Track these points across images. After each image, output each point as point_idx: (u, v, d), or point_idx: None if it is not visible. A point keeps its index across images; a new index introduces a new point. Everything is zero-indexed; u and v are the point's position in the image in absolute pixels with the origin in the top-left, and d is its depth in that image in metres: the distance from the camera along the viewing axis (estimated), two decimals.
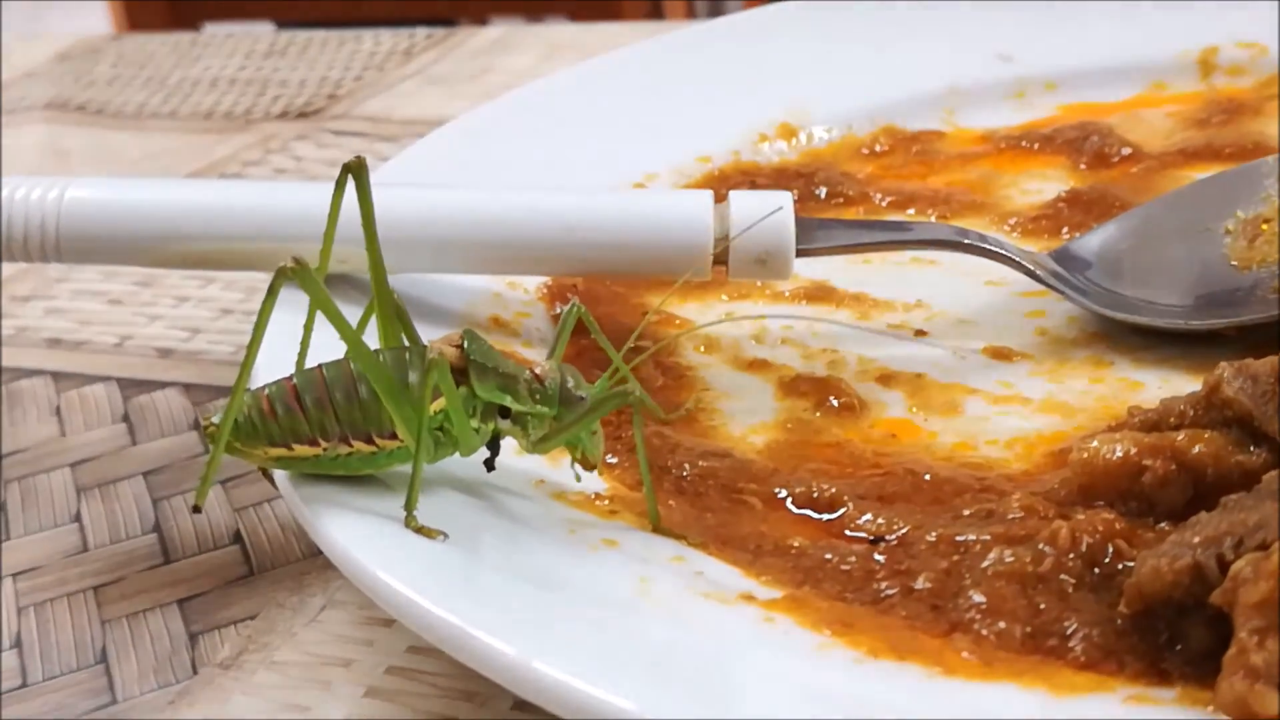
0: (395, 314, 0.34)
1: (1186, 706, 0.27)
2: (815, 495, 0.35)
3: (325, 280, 0.35)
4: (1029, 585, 0.30)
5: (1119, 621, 0.29)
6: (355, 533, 0.31)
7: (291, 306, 0.34)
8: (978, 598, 0.30)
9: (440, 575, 0.30)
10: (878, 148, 0.53)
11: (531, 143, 0.51)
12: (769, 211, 0.40)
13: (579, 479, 0.34)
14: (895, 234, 0.43)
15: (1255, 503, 0.29)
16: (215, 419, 0.33)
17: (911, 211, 0.49)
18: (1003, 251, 0.42)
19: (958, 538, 0.32)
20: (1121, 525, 0.31)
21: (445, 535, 0.31)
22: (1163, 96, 0.54)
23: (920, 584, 0.31)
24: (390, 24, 0.84)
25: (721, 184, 0.50)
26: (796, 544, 0.33)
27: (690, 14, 1.65)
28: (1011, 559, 0.31)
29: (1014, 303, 0.43)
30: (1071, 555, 0.30)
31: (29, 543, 0.41)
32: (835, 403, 0.39)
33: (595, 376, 0.34)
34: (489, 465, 0.34)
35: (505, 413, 0.33)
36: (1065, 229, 0.46)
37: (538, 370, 0.34)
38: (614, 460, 0.36)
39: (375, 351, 0.33)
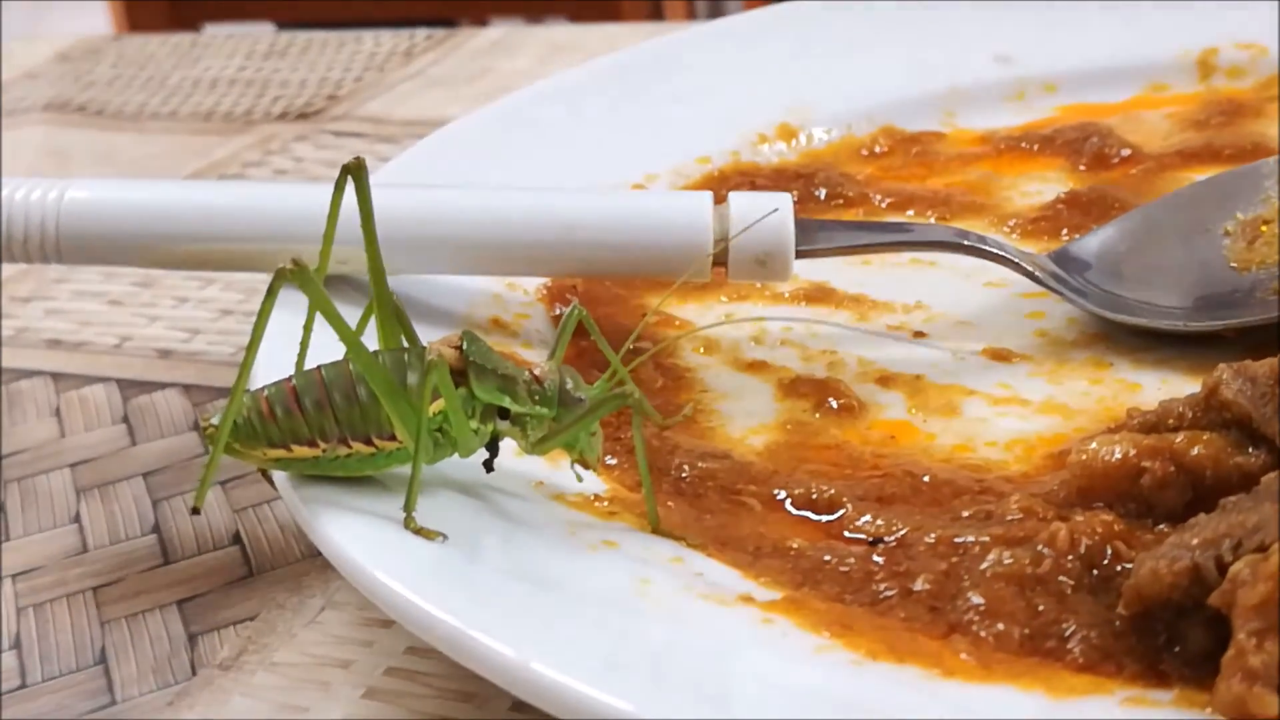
0: (394, 315, 0.34)
1: (1185, 708, 0.27)
2: (814, 497, 0.35)
3: (325, 281, 0.35)
4: (1027, 587, 0.30)
5: (1117, 623, 0.29)
6: (354, 534, 0.31)
7: (291, 308, 0.34)
8: (976, 599, 0.30)
9: (439, 576, 0.30)
10: (877, 149, 0.53)
11: (531, 144, 0.51)
12: (766, 212, 0.40)
13: (579, 479, 0.34)
14: (895, 235, 0.43)
15: (1254, 504, 0.29)
16: (214, 420, 0.33)
17: (911, 213, 0.49)
18: (1002, 253, 0.42)
19: (956, 539, 0.32)
20: (1120, 527, 0.31)
21: (444, 536, 0.31)
22: (1162, 98, 0.54)
23: (919, 585, 0.31)
24: (390, 25, 0.84)
25: (721, 185, 0.50)
26: (795, 545, 0.33)
27: (690, 15, 1.65)
28: (1010, 560, 0.31)
29: (1013, 304, 0.43)
30: (1070, 557, 0.30)
31: (28, 543, 0.41)
32: (834, 404, 0.39)
33: (595, 378, 0.35)
34: (488, 466, 0.34)
35: (504, 414, 0.33)
36: (1065, 230, 0.46)
37: (537, 372, 0.34)
38: (613, 461, 0.37)
39: (374, 353, 0.33)
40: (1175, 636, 0.28)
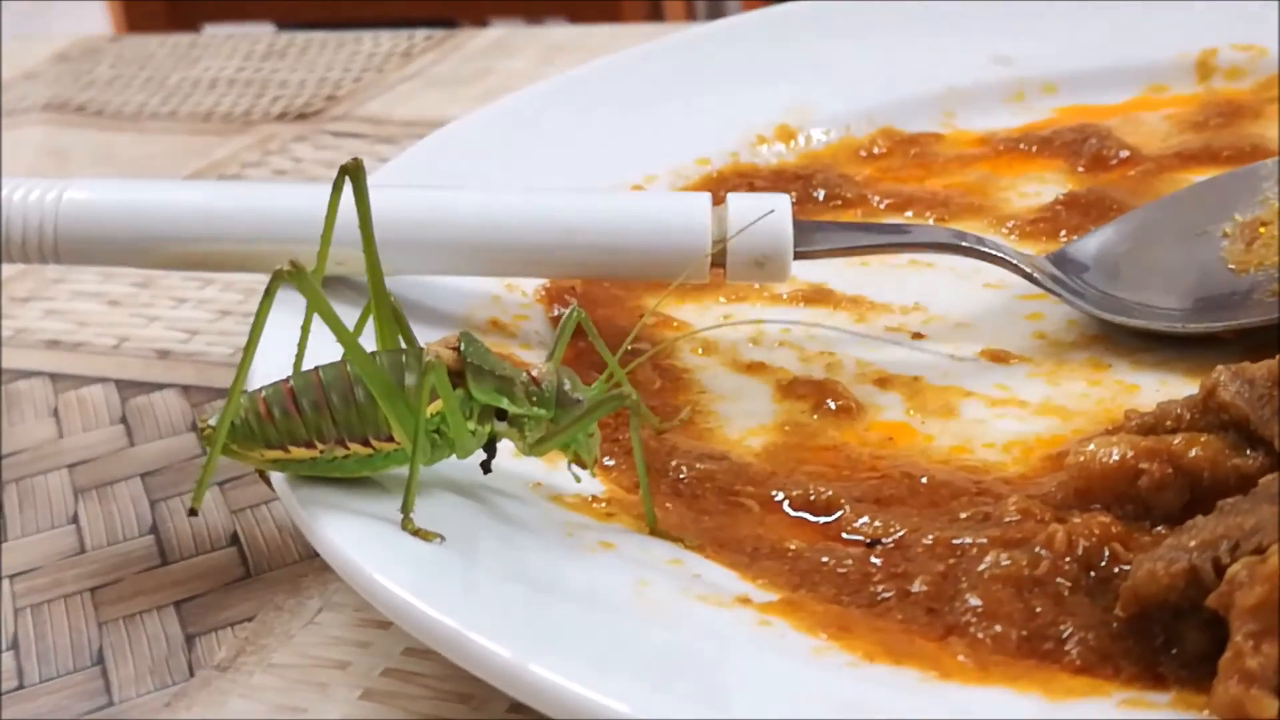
0: (392, 316, 0.34)
1: (1182, 711, 0.27)
2: (812, 498, 0.35)
3: (323, 282, 0.35)
4: (1025, 589, 0.30)
5: (1114, 625, 0.29)
6: (352, 535, 0.31)
7: (289, 308, 0.34)
8: (974, 601, 0.30)
9: (437, 578, 0.30)
10: (876, 150, 0.53)
11: (530, 145, 0.51)
12: (763, 213, 0.40)
13: (577, 480, 0.34)
14: (893, 236, 0.43)
15: (1251, 506, 0.29)
16: (212, 421, 0.33)
17: (909, 214, 0.49)
18: (1000, 254, 0.42)
19: (954, 541, 0.32)
20: (1118, 529, 0.31)
21: (442, 538, 0.31)
22: (1161, 99, 0.54)
23: (916, 587, 0.31)
24: (390, 25, 0.84)
25: (720, 186, 0.50)
26: (793, 547, 0.33)
27: (690, 16, 1.65)
28: (1008, 562, 0.31)
29: (1012, 305, 0.43)
30: (1067, 559, 0.30)
31: (26, 544, 0.41)
32: (832, 405, 0.39)
33: (593, 379, 0.34)
34: (485, 467, 0.34)
35: (502, 415, 0.33)
36: (1063, 232, 0.46)
37: (534, 373, 0.34)
38: (611, 463, 0.37)
39: (372, 354, 0.33)
40: (1173, 638, 0.28)
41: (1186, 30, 0.55)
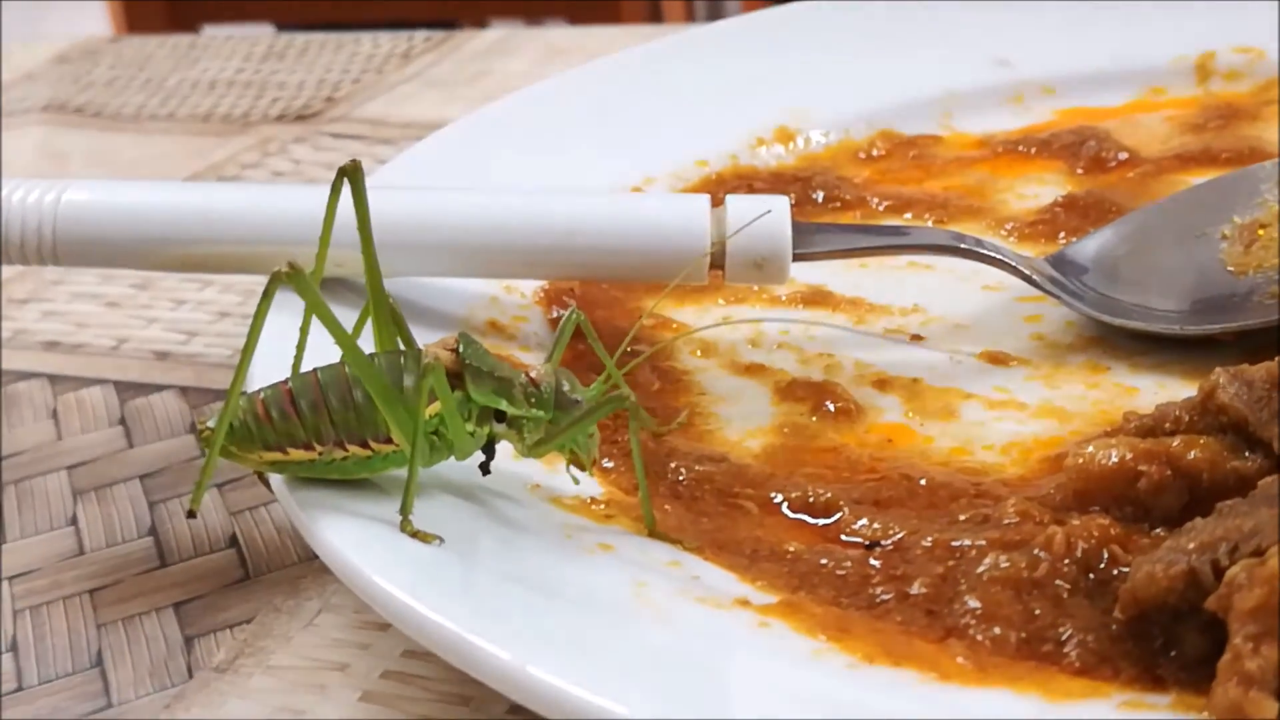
0: (391, 318, 0.34)
1: (1181, 713, 0.27)
2: (811, 500, 0.35)
3: (322, 284, 0.35)
4: (1024, 591, 0.30)
5: (1114, 627, 0.29)
6: (351, 537, 0.31)
7: (287, 310, 0.34)
8: (973, 603, 0.30)
9: (436, 579, 0.30)
10: (875, 152, 0.53)
11: (529, 146, 0.51)
12: (760, 213, 0.40)
13: (576, 481, 0.34)
14: (892, 238, 0.43)
15: (1250, 509, 0.29)
16: (210, 423, 0.33)
17: (908, 216, 0.49)
18: (999, 256, 0.42)
19: (953, 543, 0.32)
20: (1116, 531, 0.31)
21: (441, 540, 0.31)
22: (1160, 101, 0.54)
23: (916, 589, 0.31)
24: (389, 27, 0.84)
25: (719, 188, 0.50)
26: (792, 549, 0.33)
27: (689, 17, 1.65)
28: (1007, 564, 0.31)
29: (1010, 307, 0.43)
30: (1066, 561, 0.30)
31: (25, 545, 0.41)
32: (831, 407, 0.39)
33: (592, 381, 0.34)
34: (484, 469, 0.34)
35: (500, 417, 0.33)
36: (1062, 234, 0.46)
37: (533, 374, 0.34)
38: (610, 465, 0.36)
39: (370, 355, 0.33)
40: (1172, 640, 0.28)
41: (1185, 33, 0.55)
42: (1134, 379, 0.39)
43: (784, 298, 0.45)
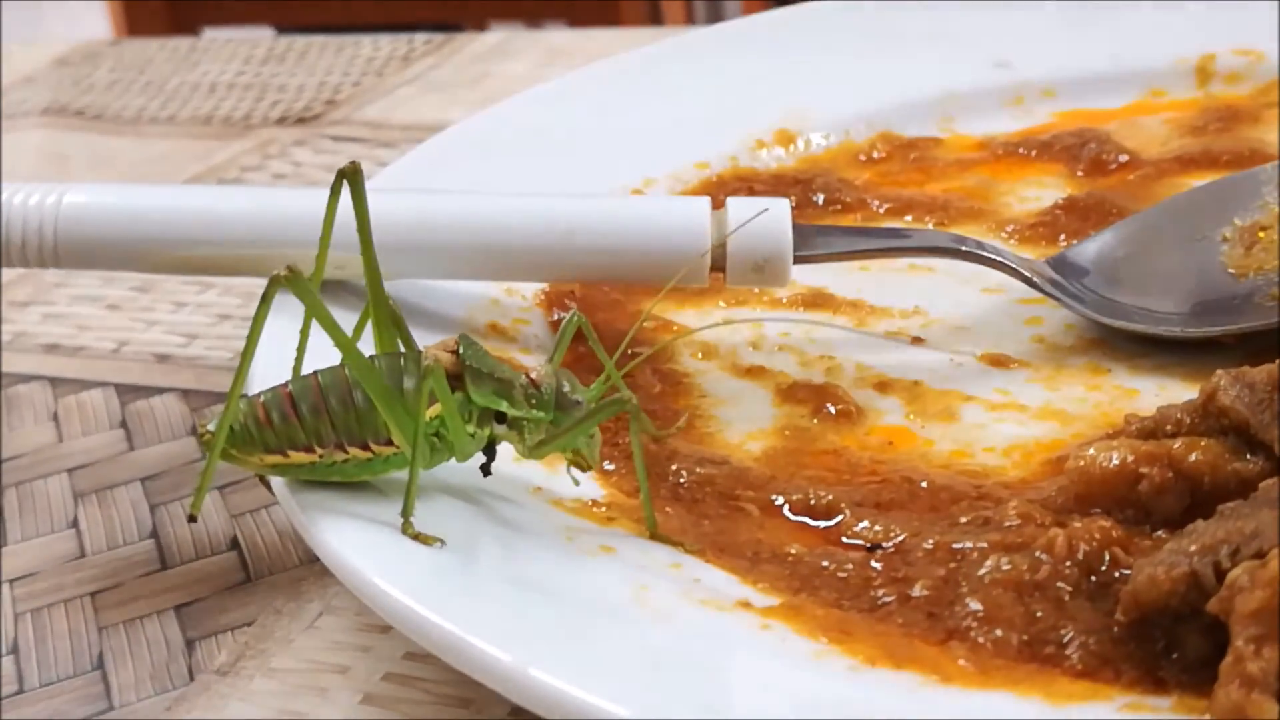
0: (391, 320, 0.34)
1: (1183, 715, 0.27)
2: (812, 502, 0.35)
3: (322, 286, 0.35)
4: (1026, 593, 0.30)
5: (1115, 629, 0.29)
6: (352, 539, 0.31)
7: (288, 312, 0.34)
8: (974, 605, 0.30)
9: (437, 582, 0.30)
10: (875, 154, 0.53)
11: (529, 148, 0.51)
12: (759, 210, 0.40)
13: (576, 483, 0.34)
14: (893, 241, 0.43)
15: (1252, 511, 0.29)
16: (211, 426, 0.33)
17: (909, 218, 0.49)
18: (1000, 259, 0.42)
19: (954, 545, 0.32)
20: (1118, 533, 0.31)
21: (442, 542, 0.31)
22: (1160, 103, 0.54)
23: (917, 591, 0.31)
24: (389, 29, 0.84)
25: (719, 190, 0.50)
26: (793, 551, 0.33)
27: (689, 20, 1.65)
28: (1008, 566, 0.31)
29: (1011, 310, 0.43)
30: (1068, 563, 0.30)
31: (26, 548, 0.41)
32: (832, 410, 0.39)
33: (593, 383, 0.34)
34: (485, 470, 0.34)
35: (501, 418, 0.33)
36: (1062, 236, 0.46)
37: (533, 375, 0.34)
38: (611, 467, 0.36)
39: (370, 358, 0.33)
40: (1173, 643, 0.28)
41: (1186, 35, 0.55)
42: (1135, 381, 0.39)
43: (785, 300, 0.45)
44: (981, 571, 0.31)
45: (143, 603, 0.38)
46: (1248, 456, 0.32)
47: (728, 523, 0.35)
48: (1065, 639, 0.29)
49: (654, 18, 1.56)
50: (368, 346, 0.34)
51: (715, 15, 1.74)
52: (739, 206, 0.41)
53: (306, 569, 0.39)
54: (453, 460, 0.33)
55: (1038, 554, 0.31)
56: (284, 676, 0.35)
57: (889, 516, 0.34)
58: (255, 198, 0.43)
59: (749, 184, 0.51)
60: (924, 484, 0.35)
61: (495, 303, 0.43)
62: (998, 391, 0.39)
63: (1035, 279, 0.42)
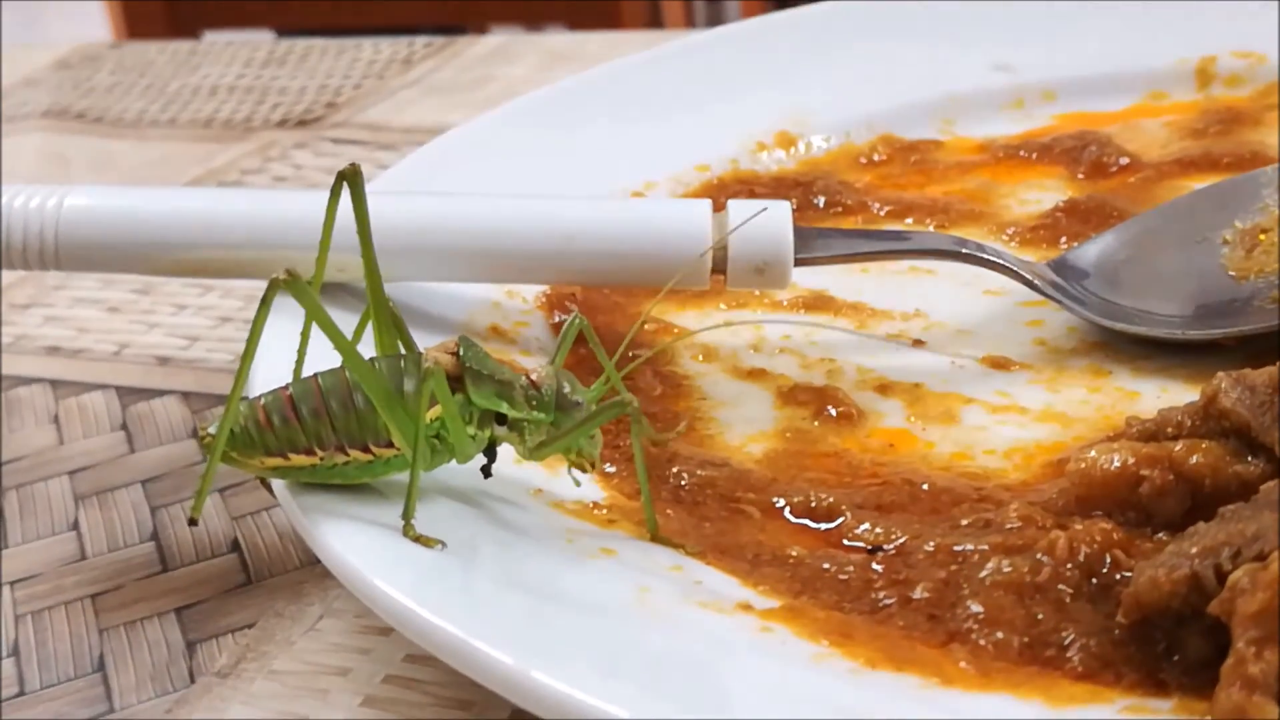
0: (391, 323, 0.34)
1: (1184, 717, 0.27)
2: (813, 504, 0.35)
3: (323, 288, 0.35)
4: (1026, 595, 0.30)
5: (1116, 632, 0.29)
6: (353, 541, 0.31)
7: (288, 315, 0.34)
8: (975, 608, 0.30)
9: (438, 584, 0.30)
10: (876, 157, 0.53)
11: (530, 151, 0.51)
12: (758, 210, 0.40)
13: (577, 484, 0.34)
14: (893, 243, 0.43)
15: (1253, 513, 0.29)
16: (212, 429, 0.33)
17: (910, 221, 0.49)
18: (1001, 261, 0.42)
19: (955, 547, 0.32)
20: (1119, 535, 0.31)
21: (443, 544, 0.31)
22: (1161, 106, 0.54)
23: (918, 594, 0.31)
24: (390, 32, 0.84)
25: (720, 193, 0.50)
26: (794, 553, 0.33)
27: (689, 22, 1.65)
28: (1009, 569, 0.31)
29: (1012, 312, 0.43)
30: (1069, 565, 0.30)
31: (27, 550, 0.41)
32: (833, 412, 0.39)
33: (593, 384, 0.34)
34: (486, 472, 0.34)
35: (502, 419, 0.33)
36: (1063, 238, 0.46)
37: (534, 376, 0.34)
38: (612, 469, 0.37)
39: (371, 360, 0.33)
40: (1174, 645, 0.28)
41: (1186, 37, 0.55)
42: (1136, 384, 0.39)
43: (785, 302, 0.45)
44: (982, 574, 0.31)
45: (143, 605, 0.38)
46: (1249, 459, 0.32)
47: (729, 525, 0.35)
48: (1066, 641, 0.29)
49: (654, 20, 1.56)
50: (368, 348, 0.34)
51: (715, 18, 1.75)
52: (740, 209, 0.41)
53: (307, 571, 0.39)
54: (453, 462, 0.33)
55: (1039, 556, 0.31)
56: (285, 678, 0.35)
57: (890, 519, 0.34)
58: (256, 200, 0.43)
59: (750, 187, 0.51)
60: (925, 486, 0.35)
61: (496, 305, 0.43)
62: (999, 394, 0.39)
63: (1036, 281, 0.42)
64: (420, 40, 0.80)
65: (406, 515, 0.32)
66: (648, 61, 0.57)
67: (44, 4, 1.88)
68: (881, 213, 0.49)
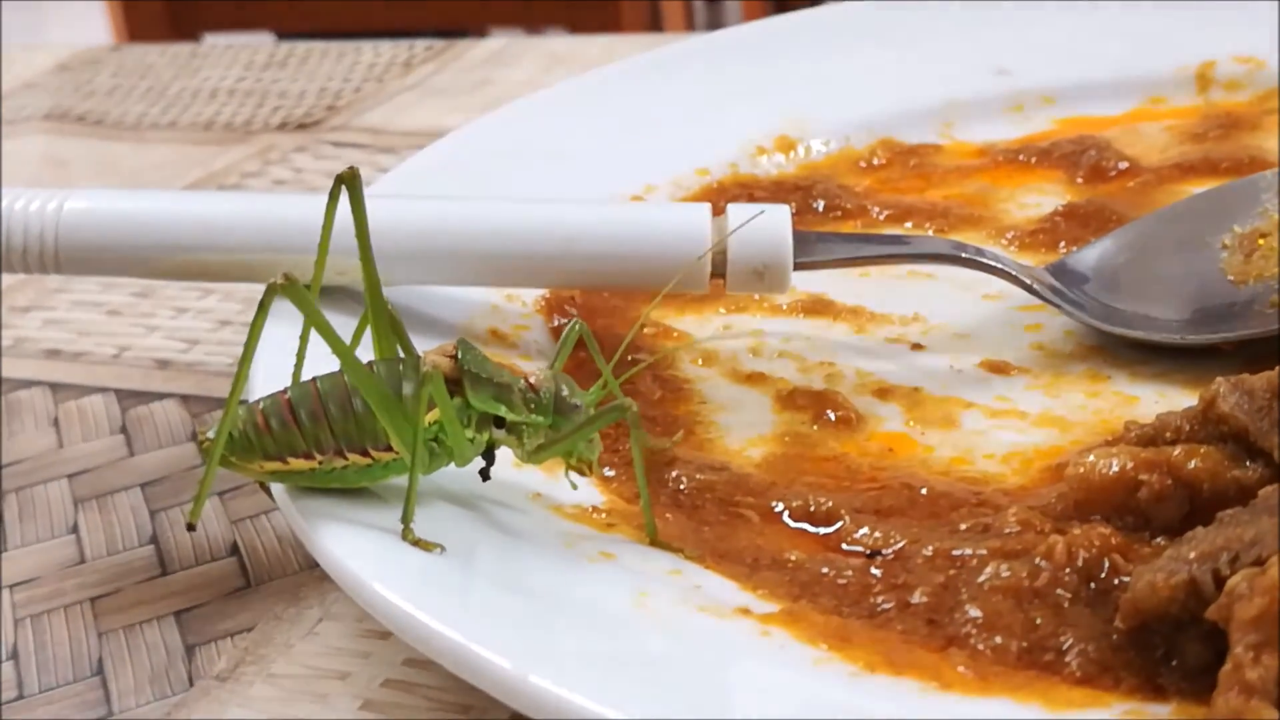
0: (390, 326, 0.34)
1: None
2: (812, 509, 0.35)
3: (322, 291, 0.35)
4: (1025, 600, 0.30)
5: (1115, 636, 0.29)
6: (352, 545, 0.31)
7: (286, 319, 0.34)
8: (974, 612, 0.30)
9: (437, 588, 0.30)
10: (875, 161, 0.53)
11: (530, 155, 0.51)
12: (756, 213, 0.40)
13: (575, 487, 0.34)
14: (893, 247, 0.43)
15: (1251, 518, 0.29)
16: (210, 433, 0.33)
17: (909, 225, 0.49)
18: (1000, 265, 0.42)
19: (954, 552, 0.32)
20: (1117, 540, 0.31)
21: (442, 548, 0.31)
22: (1160, 110, 0.54)
23: (917, 598, 0.31)
24: (390, 36, 0.84)
25: (719, 197, 0.50)
26: (793, 557, 0.33)
27: (689, 26, 1.65)
28: (1008, 573, 0.31)
29: (1011, 317, 0.43)
30: (1067, 570, 0.30)
31: (26, 554, 0.41)
32: (832, 416, 0.39)
33: (591, 387, 0.34)
34: (484, 475, 0.34)
35: (500, 423, 0.33)
36: (1062, 243, 0.46)
37: (532, 380, 0.34)
38: (611, 473, 0.37)
39: (369, 364, 0.33)
40: (1173, 650, 0.28)
41: (1186, 42, 0.55)
42: (1135, 388, 0.39)
43: (785, 307, 0.45)
44: (981, 578, 0.31)
45: (143, 608, 0.38)
46: (1247, 464, 0.32)
47: (727, 529, 0.35)
48: (1064, 646, 0.29)
49: (654, 24, 1.56)
50: (367, 352, 0.34)
51: (715, 21, 1.75)
52: (739, 213, 0.41)
53: (306, 575, 0.39)
54: (452, 465, 0.33)
55: (1037, 561, 0.31)
56: (284, 682, 0.35)
57: (889, 523, 0.34)
58: (256, 204, 0.43)
59: (749, 190, 0.51)
60: (924, 490, 0.35)
61: (495, 309, 0.43)
62: (998, 398, 0.39)
63: (1035, 286, 0.42)
64: (420, 43, 0.80)
65: (405, 519, 0.32)
66: (647, 65, 0.57)
67: (44, 6, 1.88)
68: (881, 217, 0.49)
